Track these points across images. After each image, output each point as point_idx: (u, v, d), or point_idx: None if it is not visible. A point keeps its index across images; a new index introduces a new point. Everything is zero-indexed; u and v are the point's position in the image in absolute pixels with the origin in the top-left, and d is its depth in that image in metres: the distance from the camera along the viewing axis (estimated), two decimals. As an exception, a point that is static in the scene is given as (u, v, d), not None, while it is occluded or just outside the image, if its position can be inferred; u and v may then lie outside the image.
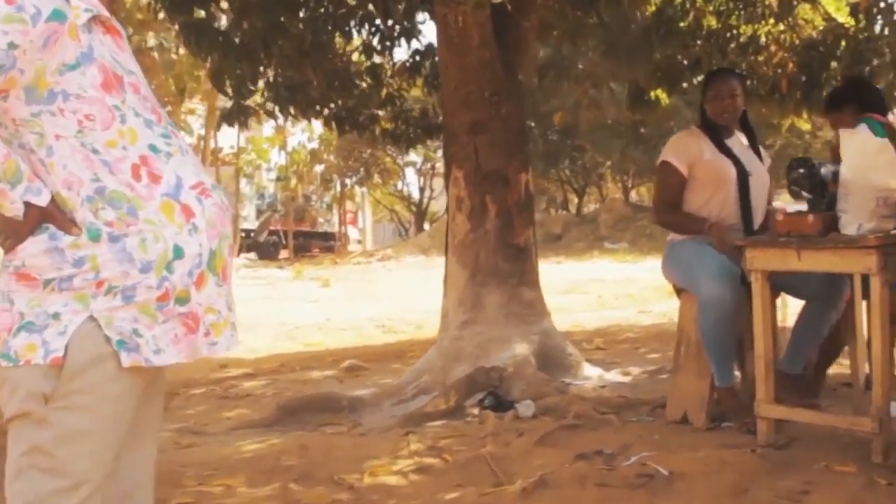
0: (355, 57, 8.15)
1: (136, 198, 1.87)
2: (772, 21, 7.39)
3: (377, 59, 8.05)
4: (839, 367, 5.18)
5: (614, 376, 5.93)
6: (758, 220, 4.51)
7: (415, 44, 7.87)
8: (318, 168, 40.74)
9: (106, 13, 1.99)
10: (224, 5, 7.21)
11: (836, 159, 4.45)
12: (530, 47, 6.54)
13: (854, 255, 3.58)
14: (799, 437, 3.94)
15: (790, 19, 7.38)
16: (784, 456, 3.74)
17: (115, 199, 1.86)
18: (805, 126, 13.06)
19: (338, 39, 7.77)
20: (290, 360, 8.09)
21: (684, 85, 7.85)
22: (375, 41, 7.84)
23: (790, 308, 4.88)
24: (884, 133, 4.67)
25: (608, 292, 13.93)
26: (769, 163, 4.77)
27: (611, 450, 3.95)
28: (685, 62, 7.72)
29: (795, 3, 7.18)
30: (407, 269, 22.75)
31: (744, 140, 4.67)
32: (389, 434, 4.74)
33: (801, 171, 3.81)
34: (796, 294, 4.45)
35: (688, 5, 7.44)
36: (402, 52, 28.07)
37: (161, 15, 7.40)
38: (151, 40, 19.55)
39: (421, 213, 41.55)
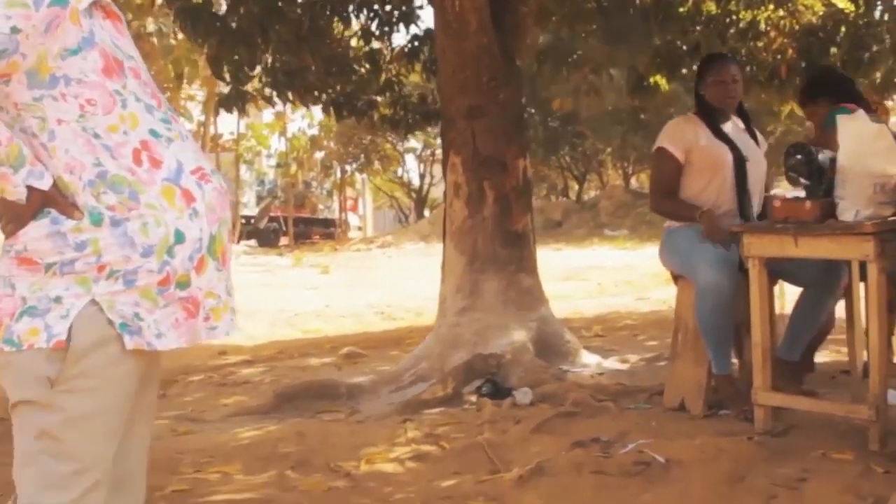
0: (354, 42, 8.13)
1: (137, 182, 1.87)
2: (771, 6, 7.38)
3: (376, 44, 8.04)
4: (837, 355, 5.18)
5: (612, 363, 5.92)
6: (756, 204, 4.49)
7: (413, 29, 7.87)
8: (319, 154, 40.69)
9: None
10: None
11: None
12: (528, 32, 6.51)
13: (851, 241, 3.57)
14: (796, 425, 3.93)
15: (790, 5, 7.36)
16: (781, 443, 3.73)
17: (116, 183, 1.86)
18: (805, 112, 13.01)
19: (336, 24, 7.74)
20: (289, 347, 8.08)
21: (684, 71, 7.84)
22: (374, 26, 7.83)
23: (788, 295, 4.87)
24: None
25: (607, 279, 13.92)
26: (766, 147, 4.75)
27: (608, 437, 3.95)
28: (684, 48, 7.70)
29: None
30: (407, 255, 22.74)
31: (740, 125, 4.65)
32: (387, 421, 4.73)
33: (799, 157, 3.79)
34: (794, 281, 4.44)
35: (687, -10, 7.42)
36: (400, 38, 28.03)
37: (159, 0, 7.37)
38: (150, 25, 19.53)
39: (421, 199, 41.49)
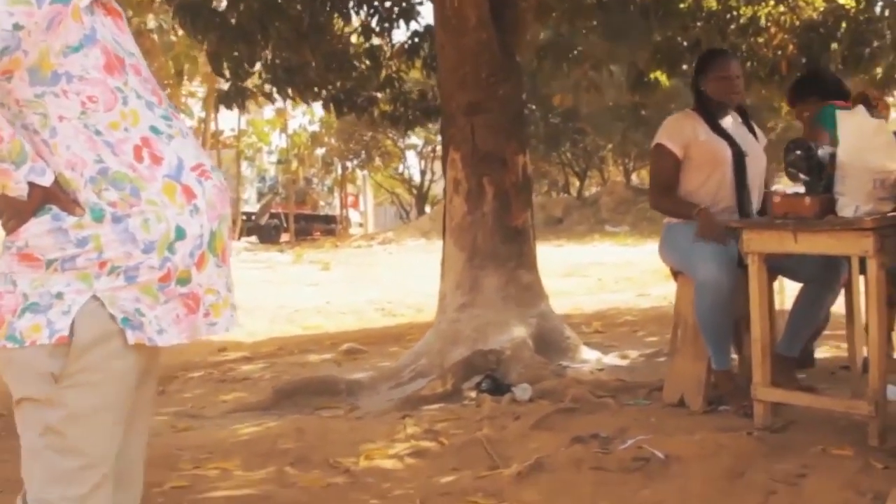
0: (354, 38, 8.12)
1: (138, 179, 1.88)
2: (772, 2, 7.38)
3: (376, 40, 8.03)
4: (837, 350, 5.17)
5: (612, 359, 5.91)
6: (755, 199, 4.48)
7: (413, 25, 7.87)
8: (319, 151, 40.66)
9: None
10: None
11: None
12: (528, 28, 6.50)
13: (851, 237, 3.56)
14: (796, 421, 3.92)
15: (790, 0, 7.35)
16: (780, 439, 3.72)
17: (117, 179, 1.87)
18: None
19: (336, 21, 7.73)
20: (289, 344, 8.08)
21: (684, 67, 7.83)
22: (374, 22, 7.82)
23: (787, 291, 4.86)
24: None
25: (608, 275, 13.92)
26: (765, 142, 4.73)
27: (607, 433, 3.94)
28: (685, 44, 7.69)
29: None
30: (407, 252, 22.72)
31: (738, 120, 4.63)
32: (386, 417, 4.73)
33: (799, 153, 3.78)
34: (793, 277, 4.43)
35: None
36: (400, 34, 28.08)
37: (159, -4, 7.39)
38: (151, 22, 19.51)
39: (422, 196, 41.44)
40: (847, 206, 3.62)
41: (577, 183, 36.85)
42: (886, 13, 7.29)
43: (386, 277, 15.36)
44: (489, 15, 5.73)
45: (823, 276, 4.20)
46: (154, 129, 1.93)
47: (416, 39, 7.88)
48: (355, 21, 7.97)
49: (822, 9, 7.46)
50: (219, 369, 6.80)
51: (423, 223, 31.38)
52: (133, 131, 1.90)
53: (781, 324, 4.53)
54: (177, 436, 4.62)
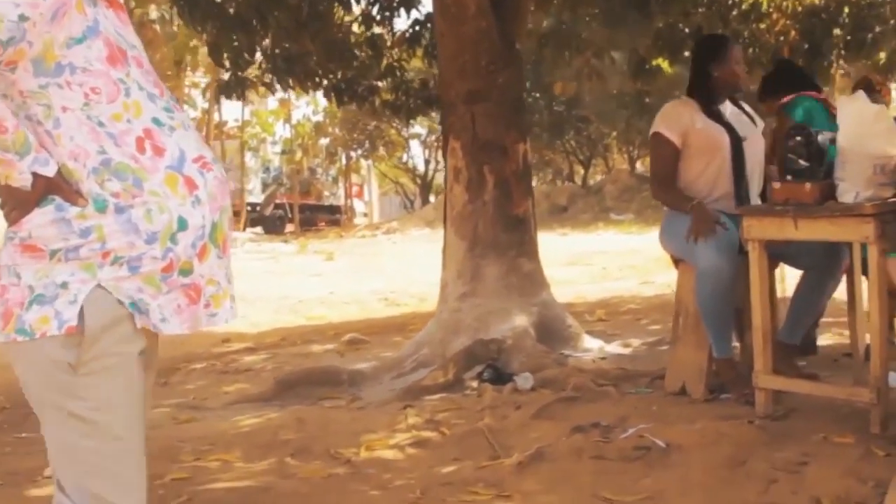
0: (354, 27, 8.10)
1: (140, 170, 1.88)
2: (774, -12, 7.34)
3: (377, 29, 8.00)
4: (839, 337, 5.16)
5: (614, 348, 5.91)
6: (756, 183, 4.44)
7: (414, 13, 7.85)
8: (323, 141, 40.68)
9: None
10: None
11: (773, 144, 4.47)
12: (529, 16, 6.47)
13: (851, 223, 3.54)
14: (797, 408, 3.91)
15: (792, -14, 7.32)
16: (782, 427, 3.72)
17: (120, 170, 1.87)
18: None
19: (336, 9, 7.71)
20: (292, 334, 8.09)
21: (686, 53, 7.79)
22: (375, 11, 7.79)
23: (789, 279, 4.84)
24: (824, 111, 4.70)
25: (612, 263, 13.91)
26: (763, 125, 4.69)
27: (608, 422, 3.94)
28: (686, 30, 7.66)
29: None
30: (411, 241, 22.73)
31: (731, 105, 4.58)
32: (387, 407, 4.73)
33: (799, 138, 3.76)
34: (794, 264, 4.40)
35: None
36: (401, 22, 28.01)
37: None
38: (153, 13, 19.51)
39: (426, 185, 41.44)
40: (847, 192, 3.60)
41: (582, 171, 36.84)
42: (889, -3, 7.25)
43: (390, 267, 15.37)
44: (489, 3, 5.71)
45: (824, 264, 4.18)
46: (156, 121, 1.94)
47: (417, 28, 7.86)
48: (356, 10, 7.95)
49: (823, -6, 7.44)
50: (221, 360, 6.80)
51: (427, 212, 31.39)
52: (135, 123, 1.91)
53: (783, 311, 4.51)
54: (178, 427, 4.63)
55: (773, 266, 4.35)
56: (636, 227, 22.28)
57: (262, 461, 3.86)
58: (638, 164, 35.16)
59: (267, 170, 41.10)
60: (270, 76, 7.77)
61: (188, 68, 26.95)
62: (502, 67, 5.83)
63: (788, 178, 3.78)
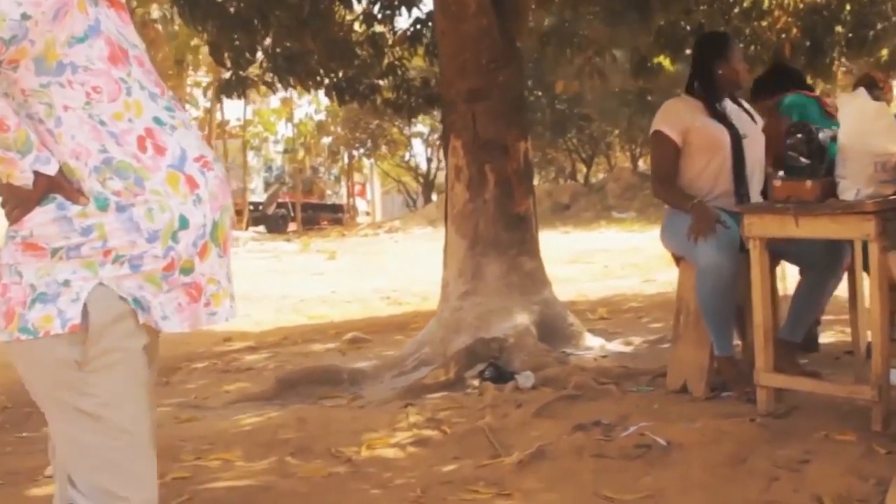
0: (356, 26, 8.09)
1: (142, 168, 1.89)
2: (776, -15, 7.32)
3: (378, 27, 7.99)
4: (841, 335, 5.15)
5: (616, 346, 5.90)
6: (757, 180, 4.43)
7: (415, 12, 7.83)
8: (326, 140, 40.66)
9: None
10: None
11: (766, 142, 4.46)
12: (529, 14, 6.46)
13: (852, 220, 3.53)
14: (799, 406, 3.91)
15: (793, -17, 7.31)
16: (783, 425, 3.71)
17: (121, 169, 1.87)
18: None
19: (338, 8, 7.71)
20: (294, 333, 8.08)
21: (687, 51, 7.78)
22: (376, 9, 7.79)
23: (790, 277, 4.83)
24: (818, 108, 4.70)
25: (614, 262, 13.89)
26: (763, 122, 4.68)
27: (609, 420, 3.94)
28: (688, 28, 7.65)
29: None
30: (414, 240, 22.72)
31: (731, 103, 4.56)
32: (388, 406, 4.73)
33: (799, 136, 3.76)
34: (795, 262, 4.40)
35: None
36: (403, 21, 27.97)
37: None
38: (155, 12, 19.49)
39: (428, 184, 41.40)
40: (848, 190, 3.60)
41: (584, 169, 36.82)
42: (891, -5, 7.24)
43: (392, 266, 15.36)
44: (489, 1, 5.70)
45: (826, 261, 4.18)
46: (157, 120, 1.95)
47: (418, 26, 7.85)
48: (357, 8, 7.94)
49: (825, -9, 7.42)
50: (223, 359, 6.80)
51: (430, 211, 31.35)
52: (137, 122, 1.91)
53: (784, 309, 4.50)
54: (180, 426, 4.62)
55: (774, 264, 4.35)
56: (638, 226, 22.25)
57: (263, 460, 3.86)
58: (640, 163, 35.11)
59: (269, 169, 41.09)
60: (272, 75, 7.76)
61: (190, 67, 26.92)
62: (503, 66, 5.83)
63: (780, 173, 3.79)
